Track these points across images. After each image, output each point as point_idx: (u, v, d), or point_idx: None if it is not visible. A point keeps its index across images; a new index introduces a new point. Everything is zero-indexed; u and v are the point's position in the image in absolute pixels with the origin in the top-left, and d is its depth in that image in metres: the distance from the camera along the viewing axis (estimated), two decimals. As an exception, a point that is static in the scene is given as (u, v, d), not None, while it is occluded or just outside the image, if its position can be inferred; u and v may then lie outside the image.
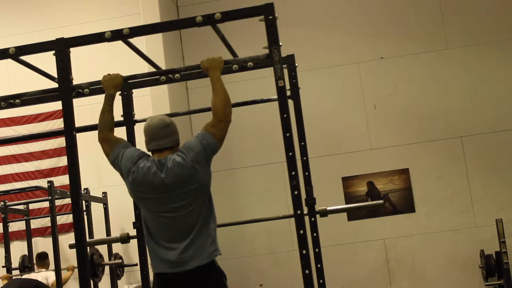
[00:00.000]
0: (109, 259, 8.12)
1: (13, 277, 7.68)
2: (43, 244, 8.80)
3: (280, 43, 3.35)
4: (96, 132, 3.65)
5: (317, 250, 4.57)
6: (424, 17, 8.62)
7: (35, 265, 8.29)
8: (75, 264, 3.88)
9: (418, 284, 8.21)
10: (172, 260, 3.39)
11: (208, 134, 3.44)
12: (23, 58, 3.86)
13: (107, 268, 8.09)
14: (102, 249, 8.08)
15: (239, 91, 7.33)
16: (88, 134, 5.02)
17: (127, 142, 3.65)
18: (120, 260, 8.11)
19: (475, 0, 8.56)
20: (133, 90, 4.82)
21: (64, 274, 7.67)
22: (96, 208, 8.30)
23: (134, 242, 4.80)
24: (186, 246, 3.38)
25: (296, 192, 3.26)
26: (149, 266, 4.52)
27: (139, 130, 4.80)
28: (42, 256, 8.05)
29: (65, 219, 8.67)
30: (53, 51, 3.51)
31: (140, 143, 4.42)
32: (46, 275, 7.69)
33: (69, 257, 8.02)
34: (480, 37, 8.44)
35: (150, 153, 3.54)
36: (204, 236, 3.41)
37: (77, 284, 3.36)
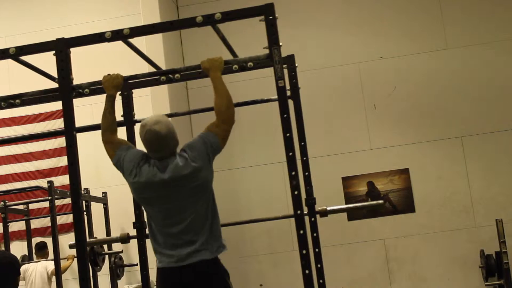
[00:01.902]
0: (109, 259, 8.12)
1: None
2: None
3: (280, 43, 3.34)
4: (96, 132, 3.65)
5: (317, 250, 4.57)
6: (424, 17, 8.62)
7: (34, 255, 8.31)
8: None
9: (418, 284, 8.21)
10: (176, 255, 3.39)
11: (211, 133, 3.45)
12: (23, 58, 3.85)
13: (107, 268, 8.09)
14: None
15: (239, 91, 7.31)
16: (88, 134, 5.02)
17: (130, 144, 3.64)
18: (121, 255, 8.13)
19: (475, 0, 8.56)
20: (133, 90, 4.82)
21: (64, 263, 7.70)
22: (96, 208, 8.30)
23: (134, 242, 4.80)
24: (191, 242, 3.38)
25: (296, 192, 3.26)
26: (149, 266, 4.55)
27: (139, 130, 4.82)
28: (41, 246, 8.09)
29: (65, 219, 8.67)
30: (53, 51, 3.51)
31: (140, 143, 4.43)
32: (45, 264, 7.74)
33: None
34: (480, 37, 8.45)
35: None
36: (208, 232, 3.42)
37: (77, 285, 3.36)
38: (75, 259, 3.89)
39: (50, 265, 7.58)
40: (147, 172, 3.41)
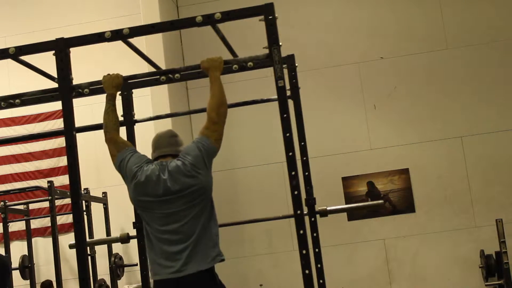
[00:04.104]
0: (109, 259, 8.11)
1: None
2: (43, 244, 8.81)
3: (280, 43, 3.34)
4: (96, 132, 3.65)
5: (317, 250, 4.57)
6: (424, 17, 8.61)
7: None
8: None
9: (418, 284, 8.21)
10: (172, 266, 3.36)
11: (203, 137, 3.45)
12: (23, 58, 3.85)
13: (107, 268, 8.09)
14: (102, 249, 8.07)
15: (239, 91, 7.33)
16: (88, 134, 5.03)
17: (134, 148, 3.64)
18: (121, 255, 8.10)
19: (475, 0, 8.56)
20: (133, 90, 4.81)
21: None
22: (96, 208, 8.30)
23: (134, 242, 4.80)
24: (187, 250, 3.36)
25: (296, 192, 3.26)
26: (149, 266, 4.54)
27: (139, 130, 4.82)
28: (47, 285, 7.99)
29: (65, 219, 8.67)
30: (53, 51, 3.51)
31: (140, 143, 4.44)
32: None
33: (69, 257, 8.02)
34: (480, 37, 8.44)
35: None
36: (205, 241, 3.39)
37: (77, 285, 3.35)
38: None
39: None
40: (148, 172, 3.42)
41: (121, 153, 3.52)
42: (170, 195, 3.38)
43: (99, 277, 7.95)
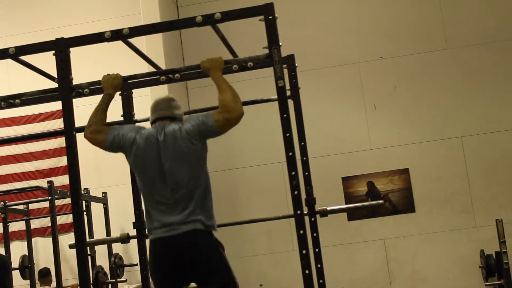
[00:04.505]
0: (109, 259, 8.11)
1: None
2: (43, 244, 8.81)
3: (280, 43, 3.35)
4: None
5: (317, 250, 4.57)
6: (424, 17, 8.62)
7: (37, 282, 8.22)
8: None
9: (418, 284, 8.21)
10: (168, 224, 3.42)
11: (210, 116, 3.48)
12: (23, 58, 3.86)
13: (107, 268, 8.08)
14: (102, 249, 8.08)
15: (239, 91, 7.30)
16: (88, 134, 5.00)
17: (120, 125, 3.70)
18: (126, 279, 8.07)
19: (475, 0, 8.56)
20: (133, 90, 4.81)
21: None
22: (96, 208, 8.30)
23: (134, 242, 4.80)
24: (183, 211, 3.42)
25: (296, 192, 3.26)
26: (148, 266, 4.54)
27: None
28: (45, 273, 8.00)
29: (65, 219, 8.67)
30: (53, 51, 3.51)
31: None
32: None
33: (69, 257, 8.02)
34: (480, 37, 8.45)
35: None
36: (201, 207, 3.45)
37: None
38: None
39: None
40: (145, 135, 3.49)
41: (110, 132, 3.56)
42: (165, 155, 3.44)
43: (100, 277, 7.93)
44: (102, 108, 3.61)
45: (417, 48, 8.53)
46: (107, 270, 8.11)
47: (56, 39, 3.53)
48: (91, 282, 5.66)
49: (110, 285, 7.95)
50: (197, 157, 3.47)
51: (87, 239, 5.13)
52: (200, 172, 3.48)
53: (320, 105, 8.46)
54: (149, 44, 7.27)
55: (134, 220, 4.62)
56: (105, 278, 7.88)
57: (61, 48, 3.50)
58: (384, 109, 8.53)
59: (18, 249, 8.63)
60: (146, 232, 3.69)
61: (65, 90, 3.49)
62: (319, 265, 4.55)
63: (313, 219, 4.61)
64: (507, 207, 8.09)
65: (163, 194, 3.45)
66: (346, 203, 8.16)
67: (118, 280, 7.93)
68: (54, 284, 7.50)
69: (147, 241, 3.80)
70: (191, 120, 3.51)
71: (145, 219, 3.61)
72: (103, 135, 3.55)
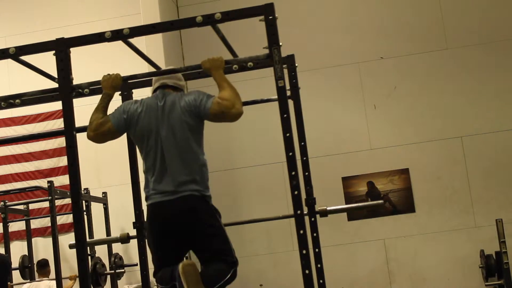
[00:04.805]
0: (109, 259, 8.11)
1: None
2: (43, 244, 8.81)
3: (280, 43, 3.35)
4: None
5: (317, 250, 4.57)
6: (424, 17, 8.62)
7: (35, 273, 8.23)
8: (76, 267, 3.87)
9: (418, 284, 8.21)
10: (165, 190, 3.49)
11: (210, 100, 3.52)
12: (23, 58, 3.86)
13: (107, 268, 8.09)
14: (102, 249, 8.08)
15: (239, 91, 7.31)
16: (88, 134, 5.00)
17: None
18: (123, 270, 8.07)
19: (475, 0, 8.56)
20: (133, 90, 4.81)
21: (66, 283, 7.62)
22: (96, 208, 8.30)
23: (134, 242, 4.80)
24: (181, 177, 3.48)
25: (296, 192, 3.26)
26: (149, 266, 4.54)
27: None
28: (43, 264, 8.00)
29: (65, 219, 8.67)
30: (53, 51, 3.51)
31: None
32: (49, 284, 7.64)
33: (69, 257, 8.02)
34: (480, 37, 8.44)
35: None
36: (199, 175, 3.53)
37: (78, 284, 3.36)
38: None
39: (53, 285, 7.40)
40: (147, 101, 3.60)
41: (112, 116, 3.65)
42: (165, 120, 3.52)
43: (98, 268, 7.90)
44: (102, 107, 3.66)
45: (417, 48, 8.52)
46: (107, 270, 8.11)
47: (56, 39, 3.54)
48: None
49: (108, 276, 7.96)
50: (192, 129, 3.54)
51: (87, 239, 5.14)
52: (196, 146, 3.56)
53: (320, 105, 8.45)
54: (149, 44, 7.27)
55: (134, 220, 4.62)
56: (103, 269, 7.88)
57: (61, 48, 3.50)
58: (384, 109, 8.53)
59: (18, 249, 8.63)
60: (144, 199, 3.74)
61: (65, 90, 3.49)
62: (319, 265, 4.55)
63: (313, 219, 4.62)
64: (507, 207, 8.09)
65: (161, 162, 3.52)
66: (346, 203, 8.16)
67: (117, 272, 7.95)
68: (52, 275, 7.49)
69: (146, 243, 3.81)
70: (193, 93, 3.59)
71: (144, 187, 3.68)
72: (107, 123, 3.63)
